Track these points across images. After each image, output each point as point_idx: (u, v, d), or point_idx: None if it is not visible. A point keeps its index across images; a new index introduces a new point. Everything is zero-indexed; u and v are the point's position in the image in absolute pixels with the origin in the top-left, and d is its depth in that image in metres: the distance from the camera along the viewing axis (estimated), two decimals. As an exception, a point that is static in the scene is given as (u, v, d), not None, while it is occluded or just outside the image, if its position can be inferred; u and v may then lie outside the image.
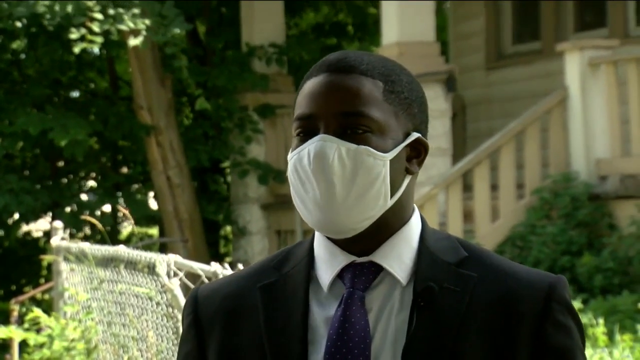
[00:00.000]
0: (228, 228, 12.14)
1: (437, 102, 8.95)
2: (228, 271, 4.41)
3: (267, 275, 1.51)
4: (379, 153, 1.44)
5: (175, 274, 4.87)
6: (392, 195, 1.46)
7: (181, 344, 1.55)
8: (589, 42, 8.57)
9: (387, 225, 1.48)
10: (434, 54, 9.21)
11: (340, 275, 1.48)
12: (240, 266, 4.40)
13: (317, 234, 1.52)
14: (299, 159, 1.45)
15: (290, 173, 1.47)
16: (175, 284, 4.82)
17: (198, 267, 4.67)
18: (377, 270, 1.48)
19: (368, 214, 1.45)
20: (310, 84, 1.48)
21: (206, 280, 4.45)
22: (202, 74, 11.05)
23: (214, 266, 4.50)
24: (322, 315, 1.47)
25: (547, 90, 9.08)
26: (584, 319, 6.21)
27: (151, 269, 5.13)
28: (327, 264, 1.49)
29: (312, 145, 1.44)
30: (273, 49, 11.00)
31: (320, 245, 1.50)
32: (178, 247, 10.04)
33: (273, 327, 1.47)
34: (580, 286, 7.63)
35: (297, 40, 11.61)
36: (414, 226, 1.50)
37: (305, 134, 1.46)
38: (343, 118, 1.44)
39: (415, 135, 1.49)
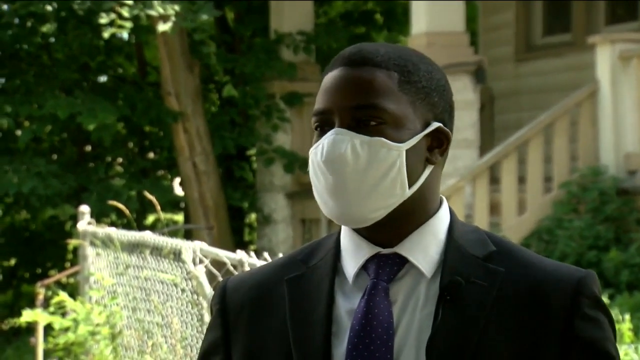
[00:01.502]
0: (253, 216, 12.15)
1: (464, 93, 8.90)
2: (254, 259, 4.40)
3: (294, 268, 1.52)
4: (393, 144, 1.45)
5: (201, 261, 4.87)
6: (410, 185, 1.46)
7: (207, 332, 1.56)
8: (620, 36, 8.49)
9: (411, 216, 1.47)
10: (463, 45, 9.15)
11: (365, 267, 1.48)
12: (266, 254, 4.40)
13: (343, 226, 1.52)
14: (315, 153, 1.47)
15: (310, 167, 1.49)
16: (200, 271, 4.82)
17: (224, 254, 4.66)
18: (402, 262, 1.47)
19: (384, 203, 1.45)
20: (327, 79, 1.49)
21: (231, 268, 4.46)
22: (230, 61, 11.05)
23: (240, 254, 4.50)
24: (346, 307, 1.47)
25: (577, 83, 9.00)
26: (610, 314, 6.16)
27: (177, 255, 5.14)
28: (352, 255, 1.49)
29: (326, 139, 1.46)
30: (301, 37, 10.98)
31: (346, 236, 1.51)
32: (203, 234, 10.06)
33: (298, 319, 1.47)
34: (607, 281, 7.57)
35: (326, 29, 11.58)
36: (442, 218, 1.50)
37: (323, 128, 1.48)
38: (356, 111, 1.45)
39: (435, 124, 1.48)
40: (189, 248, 4.93)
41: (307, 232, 10.65)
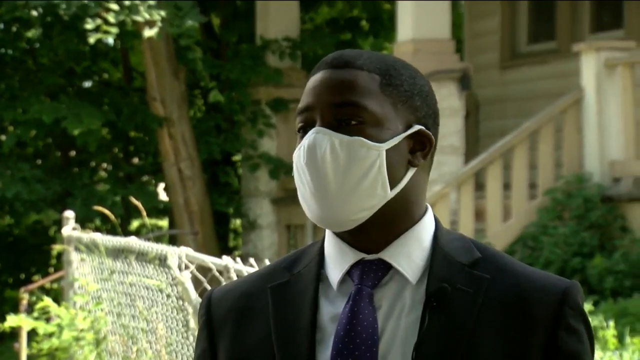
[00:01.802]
0: (237, 221, 12.14)
1: (450, 100, 8.93)
2: (239, 265, 4.39)
3: (278, 276, 1.52)
4: (372, 143, 1.45)
5: (187, 267, 4.86)
6: (392, 187, 1.46)
7: (196, 345, 1.56)
8: (606, 43, 8.53)
9: (395, 220, 1.47)
10: (448, 52, 9.18)
11: (349, 273, 1.48)
12: (252, 260, 4.39)
13: (327, 233, 1.52)
14: (297, 155, 1.48)
15: (294, 171, 1.49)
16: (186, 277, 4.81)
17: (209, 260, 4.65)
18: (386, 267, 1.47)
19: (365, 204, 1.45)
20: (310, 82, 1.51)
21: (217, 274, 4.44)
22: (216, 66, 11.04)
23: (225, 260, 4.49)
24: (331, 313, 1.47)
25: (562, 90, 9.04)
26: (595, 321, 6.18)
27: (162, 261, 5.12)
28: (337, 261, 1.49)
29: (306, 140, 1.46)
30: (287, 43, 10.99)
31: (330, 243, 1.51)
32: (188, 239, 10.05)
33: (282, 326, 1.47)
34: (591, 288, 7.60)
35: (312, 35, 11.59)
36: (427, 225, 1.50)
37: (305, 129, 1.48)
38: (337, 109, 1.46)
39: (417, 127, 1.48)
40: (175, 254, 4.91)
41: (292, 238, 10.65)
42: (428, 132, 1.49)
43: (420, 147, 1.49)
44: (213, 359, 1.52)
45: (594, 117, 8.32)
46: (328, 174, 1.44)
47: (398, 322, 1.45)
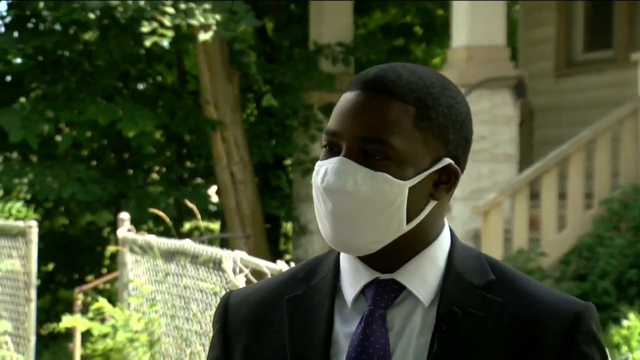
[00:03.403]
0: (288, 226, 12.16)
1: (504, 107, 8.85)
2: (295, 270, 4.39)
3: (295, 287, 1.52)
4: (396, 180, 1.43)
5: (241, 271, 4.87)
6: (409, 221, 1.45)
7: (209, 350, 1.56)
8: (665, 53, 8.41)
9: (409, 246, 1.47)
10: (503, 59, 9.11)
11: (363, 291, 1.48)
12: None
13: None
14: (317, 173, 1.46)
15: (313, 186, 1.48)
16: (240, 281, 4.83)
17: (264, 264, 4.67)
18: (400, 288, 1.46)
19: (379, 237, 1.44)
20: (343, 99, 1.47)
21: (273, 279, 4.44)
22: (269, 70, 11.08)
23: (280, 264, 4.50)
24: (345, 330, 1.47)
25: (619, 99, 8.92)
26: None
27: (216, 264, 5.14)
28: (351, 279, 1.48)
29: (330, 165, 1.44)
30: (340, 48, 10.99)
31: (345, 258, 1.50)
32: (239, 242, 10.08)
33: (297, 340, 1.47)
34: (647, 300, 7.48)
35: (365, 40, 11.57)
36: (442, 245, 1.48)
37: (330, 149, 1.47)
38: (364, 142, 1.43)
39: (445, 161, 1.46)
40: (230, 257, 4.93)
41: (343, 243, 10.63)
42: (456, 167, 1.47)
43: (446, 180, 1.47)
44: None
45: (651, 127, 8.20)
46: (345, 203, 1.43)
47: (408, 344, 1.44)
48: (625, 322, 6.19)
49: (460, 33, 9.16)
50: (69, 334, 7.53)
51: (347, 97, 1.46)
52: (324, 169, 1.45)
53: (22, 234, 6.92)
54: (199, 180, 11.66)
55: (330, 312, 1.47)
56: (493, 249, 7.84)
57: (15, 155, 11.12)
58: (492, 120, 8.80)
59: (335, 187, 1.43)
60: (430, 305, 1.46)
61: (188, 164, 11.87)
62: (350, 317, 1.47)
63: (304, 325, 1.48)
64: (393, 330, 1.45)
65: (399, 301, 1.46)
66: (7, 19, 11.02)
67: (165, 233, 8.83)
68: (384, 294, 1.46)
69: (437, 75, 1.50)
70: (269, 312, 1.51)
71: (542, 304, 1.45)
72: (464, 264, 1.47)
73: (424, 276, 1.46)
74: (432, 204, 1.46)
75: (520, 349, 1.42)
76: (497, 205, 8.06)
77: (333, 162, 1.44)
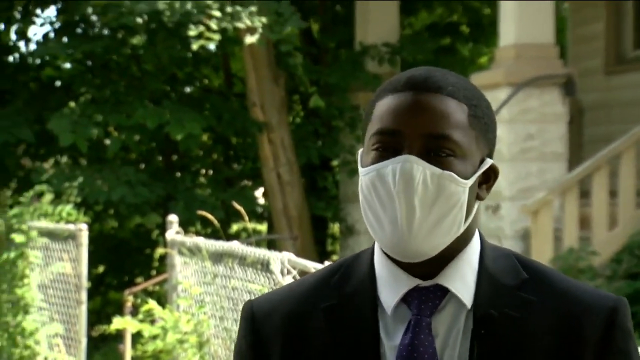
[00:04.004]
0: (335, 226, 12.16)
1: (553, 105, 8.76)
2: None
3: (328, 295, 1.48)
4: (461, 180, 1.42)
5: (289, 272, 4.87)
6: (465, 222, 1.44)
7: None
8: None
9: (453, 250, 1.45)
10: (552, 57, 9.02)
11: (404, 299, 1.46)
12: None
13: (377, 251, 1.48)
14: (380, 176, 1.41)
15: (365, 188, 1.43)
16: (288, 282, 4.83)
17: (311, 265, 4.66)
18: (443, 293, 1.45)
19: (443, 240, 1.42)
20: (395, 100, 1.43)
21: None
22: (315, 72, 11.08)
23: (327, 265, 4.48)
24: (389, 343, 1.44)
25: (670, 96, 8.79)
26: None
27: (264, 265, 5.15)
28: (391, 286, 1.46)
29: (398, 164, 1.41)
30: (386, 49, 10.96)
31: (382, 265, 1.47)
32: (287, 244, 10.09)
33: (342, 353, 1.44)
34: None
35: (411, 40, 11.53)
36: (474, 246, 1.48)
37: (386, 150, 1.42)
38: (429, 140, 1.41)
39: (490, 161, 1.46)
40: (277, 259, 4.94)
41: (390, 244, 10.60)
42: (496, 166, 1.47)
43: (486, 180, 1.46)
44: None
45: None
46: (416, 206, 1.40)
47: (453, 350, 1.43)
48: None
49: (508, 31, 9.08)
50: (119, 335, 7.59)
51: (399, 98, 1.43)
52: (390, 170, 1.40)
53: (73, 237, 7.00)
54: (246, 182, 11.70)
55: (374, 322, 1.45)
56: (543, 248, 7.77)
57: (65, 159, 11.25)
58: (541, 119, 8.71)
59: (408, 186, 1.39)
60: (470, 308, 1.45)
61: (235, 166, 11.92)
62: (392, 327, 1.45)
63: (346, 336, 1.44)
64: (438, 338, 1.44)
65: (442, 307, 1.45)
66: (57, 25, 11.16)
67: (213, 235, 8.87)
68: (428, 301, 1.44)
69: (468, 81, 1.51)
70: (303, 322, 1.47)
71: (576, 300, 1.44)
72: (495, 265, 1.46)
73: (464, 278, 1.45)
74: (477, 204, 1.46)
75: (558, 347, 1.42)
76: (547, 204, 7.98)
77: (400, 161, 1.40)
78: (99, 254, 10.99)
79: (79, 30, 10.89)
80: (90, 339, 8.05)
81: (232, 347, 5.48)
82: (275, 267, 4.98)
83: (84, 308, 6.90)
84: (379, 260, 1.47)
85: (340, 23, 11.94)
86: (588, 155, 8.97)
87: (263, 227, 12.89)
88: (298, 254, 7.61)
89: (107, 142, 10.76)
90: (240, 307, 5.45)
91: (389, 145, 1.42)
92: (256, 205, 10.84)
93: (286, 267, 4.91)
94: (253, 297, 5.33)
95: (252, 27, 9.48)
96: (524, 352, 1.41)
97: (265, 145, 10.45)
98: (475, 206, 1.45)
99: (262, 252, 5.23)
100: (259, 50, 10.19)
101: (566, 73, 8.93)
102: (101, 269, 11.74)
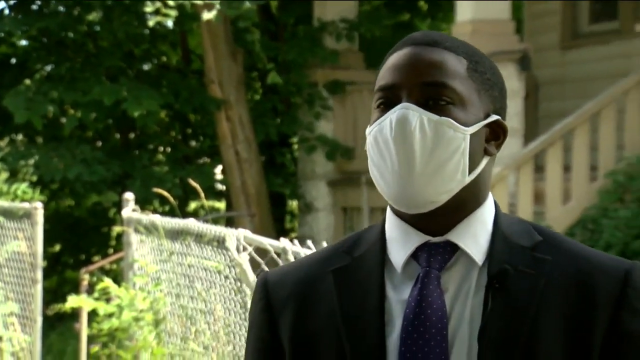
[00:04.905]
0: (294, 204, 12.17)
1: (510, 81, 8.81)
2: (297, 247, 4.40)
3: (338, 260, 1.51)
4: (460, 126, 1.44)
5: (245, 249, 4.88)
6: (470, 172, 1.45)
7: (252, 329, 1.54)
8: (670, 23, 8.35)
9: (463, 205, 1.47)
10: (508, 33, 9.07)
11: (414, 256, 1.47)
12: (309, 242, 4.39)
13: (388, 216, 1.50)
14: (380, 129, 1.44)
15: (369, 146, 1.46)
16: (244, 259, 4.83)
17: (267, 242, 4.67)
18: (453, 250, 1.47)
19: (446, 186, 1.44)
20: (394, 57, 1.48)
21: (275, 256, 4.46)
22: (273, 48, 11.05)
23: (283, 242, 4.50)
24: (397, 297, 1.46)
25: (624, 71, 8.87)
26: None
27: (220, 242, 5.15)
28: (400, 244, 1.48)
29: (394, 113, 1.44)
30: (344, 25, 10.94)
31: (392, 226, 1.49)
32: (244, 221, 10.09)
33: (348, 311, 1.46)
34: (653, 272, 7.47)
35: (369, 16, 11.53)
36: (489, 209, 1.49)
37: (387, 105, 1.46)
38: (426, 88, 1.44)
39: (495, 117, 1.49)
40: (233, 235, 4.94)
41: (349, 220, 10.64)
42: (504, 123, 1.49)
43: (494, 137, 1.49)
44: (273, 344, 1.50)
45: (657, 99, 8.16)
46: (415, 150, 1.42)
47: (464, 305, 1.45)
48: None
49: (465, 7, 9.11)
50: (75, 314, 7.56)
51: (398, 54, 1.46)
52: (387, 120, 1.43)
53: (28, 215, 6.94)
54: (204, 159, 11.66)
55: (381, 280, 1.46)
56: (498, 224, 7.83)
57: (20, 137, 11.14)
58: (497, 95, 8.76)
59: (404, 132, 1.42)
60: (482, 266, 1.45)
61: (193, 143, 11.87)
62: (401, 284, 1.46)
63: (354, 294, 1.46)
64: (448, 293, 1.45)
65: (451, 264, 1.46)
66: (11, 1, 11.01)
67: (171, 213, 8.84)
68: (437, 255, 1.46)
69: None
70: (314, 285, 1.49)
71: (591, 261, 1.46)
72: (510, 228, 1.48)
73: (476, 236, 1.46)
74: (486, 159, 1.47)
75: (573, 304, 1.43)
76: (502, 179, 8.05)
77: (396, 109, 1.43)
78: (55, 233, 10.92)
79: (34, 7, 10.75)
80: (46, 318, 8.00)
81: (188, 324, 5.48)
82: (230, 244, 4.98)
83: (39, 287, 6.86)
84: (390, 222, 1.49)
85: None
86: (543, 130, 9.05)
87: (222, 205, 12.87)
88: (256, 231, 7.61)
89: (63, 119, 10.66)
90: (196, 284, 5.46)
91: (390, 100, 1.45)
92: (214, 182, 10.81)
93: (242, 244, 4.91)
94: (209, 275, 5.27)
95: (210, 3, 9.42)
96: (538, 307, 1.42)
97: (223, 123, 10.41)
98: (484, 161, 1.46)
99: (218, 230, 5.22)
100: (216, 27, 10.13)
101: (522, 49, 8.98)
102: (57, 247, 11.66)
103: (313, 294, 1.49)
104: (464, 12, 9.12)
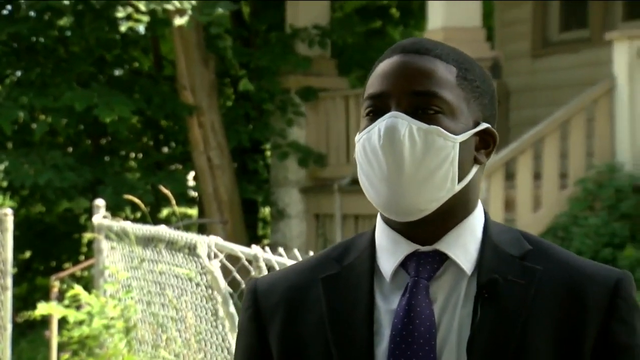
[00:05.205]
0: (266, 210, 12.16)
1: (481, 89, 8.87)
2: (268, 254, 4.40)
3: (328, 267, 1.50)
4: (449, 134, 1.44)
5: (216, 256, 4.87)
6: (459, 180, 1.45)
7: (241, 337, 1.53)
8: (639, 32, 8.44)
9: (453, 214, 1.46)
10: (479, 40, 9.13)
11: (403, 265, 1.47)
12: (281, 250, 4.39)
13: (378, 224, 1.50)
14: (368, 138, 1.44)
15: (358, 154, 1.46)
16: (215, 266, 4.83)
17: (239, 249, 4.66)
18: (442, 259, 1.46)
19: (435, 195, 1.44)
20: (383, 65, 1.47)
21: (246, 263, 4.45)
22: (246, 55, 11.05)
23: (255, 249, 4.50)
24: (385, 306, 1.46)
25: (594, 79, 8.96)
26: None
27: (191, 249, 5.14)
28: (390, 253, 1.47)
29: (382, 122, 1.43)
30: (316, 31, 10.97)
31: (382, 234, 1.49)
32: (217, 228, 10.07)
33: (336, 319, 1.46)
34: (622, 279, 7.54)
35: (341, 23, 11.56)
36: (478, 217, 1.49)
37: (376, 113, 1.46)
38: (415, 97, 1.44)
39: (485, 125, 1.48)
40: (204, 243, 4.93)
41: (321, 227, 10.65)
42: (494, 131, 1.49)
43: (484, 146, 1.48)
44: (262, 351, 1.49)
45: (625, 106, 8.24)
46: (405, 158, 1.42)
47: (453, 315, 1.44)
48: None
49: (436, 15, 9.16)
50: (45, 321, 7.52)
51: (388, 62, 1.46)
52: (376, 129, 1.43)
53: (-2, 222, 6.89)
54: (176, 166, 11.63)
55: (370, 288, 1.46)
56: (469, 230, 7.87)
57: (-10, 143, 11.05)
58: (468, 102, 8.81)
59: (393, 140, 1.41)
60: (471, 276, 1.45)
61: (165, 149, 11.84)
62: (390, 293, 1.46)
63: (344, 303, 1.46)
64: (437, 303, 1.44)
65: (440, 273, 1.45)
66: (-19, 6, 10.94)
67: (143, 220, 8.81)
68: (426, 265, 1.45)
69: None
70: (303, 293, 1.49)
71: (582, 271, 1.45)
72: (499, 237, 1.48)
73: (465, 246, 1.45)
74: (476, 167, 1.47)
75: (563, 314, 1.43)
76: (473, 187, 8.08)
77: (385, 118, 1.43)
78: (25, 239, 10.84)
79: (4, 12, 10.69)
80: (16, 325, 7.94)
81: (160, 331, 5.46)
82: (202, 251, 4.97)
83: (9, 294, 6.81)
84: (380, 231, 1.49)
85: (270, 6, 11.91)
86: (514, 138, 9.11)
87: (194, 212, 12.84)
88: (228, 238, 7.60)
89: (34, 125, 10.60)
90: (167, 291, 5.44)
91: (379, 109, 1.45)
92: (186, 189, 10.78)
93: (213, 251, 4.91)
94: (180, 282, 5.25)
95: (182, 9, 9.41)
96: (527, 317, 1.42)
97: (195, 129, 10.40)
98: (473, 169, 1.46)
99: (189, 237, 5.21)
100: (188, 33, 10.12)
101: (493, 56, 9.04)
102: (28, 254, 11.58)
103: (302, 301, 1.49)
104: (435, 19, 9.17)
